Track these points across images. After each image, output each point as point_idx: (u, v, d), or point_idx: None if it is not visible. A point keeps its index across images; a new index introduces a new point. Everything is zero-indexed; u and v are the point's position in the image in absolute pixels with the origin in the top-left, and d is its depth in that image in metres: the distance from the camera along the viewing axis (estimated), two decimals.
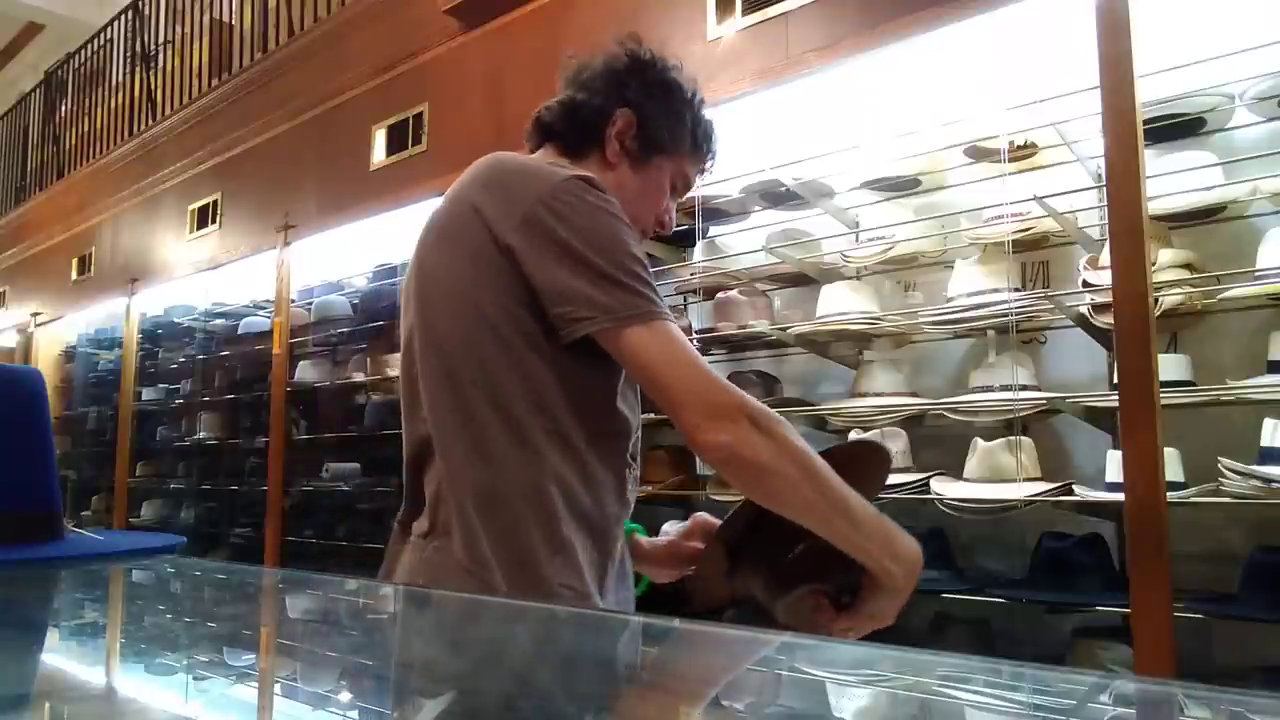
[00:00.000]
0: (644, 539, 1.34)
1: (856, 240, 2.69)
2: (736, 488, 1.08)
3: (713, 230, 3.05)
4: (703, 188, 2.73)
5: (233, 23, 5.27)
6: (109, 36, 6.50)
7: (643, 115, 1.21)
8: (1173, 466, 1.95)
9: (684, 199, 1.38)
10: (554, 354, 1.06)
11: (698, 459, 2.80)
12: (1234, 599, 1.91)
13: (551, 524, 1.07)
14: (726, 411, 1.01)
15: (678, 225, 2.95)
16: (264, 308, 4.77)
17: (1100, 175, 2.04)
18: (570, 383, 1.08)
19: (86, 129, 6.66)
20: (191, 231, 5.08)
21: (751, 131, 2.66)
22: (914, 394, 2.55)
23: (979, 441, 2.31)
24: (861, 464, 1.18)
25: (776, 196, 2.82)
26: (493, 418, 1.07)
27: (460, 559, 1.08)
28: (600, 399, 1.12)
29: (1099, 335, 2.25)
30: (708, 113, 1.29)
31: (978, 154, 2.43)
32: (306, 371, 4.32)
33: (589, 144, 1.23)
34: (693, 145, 1.26)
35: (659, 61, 1.25)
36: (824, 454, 1.10)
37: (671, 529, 1.37)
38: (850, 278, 2.72)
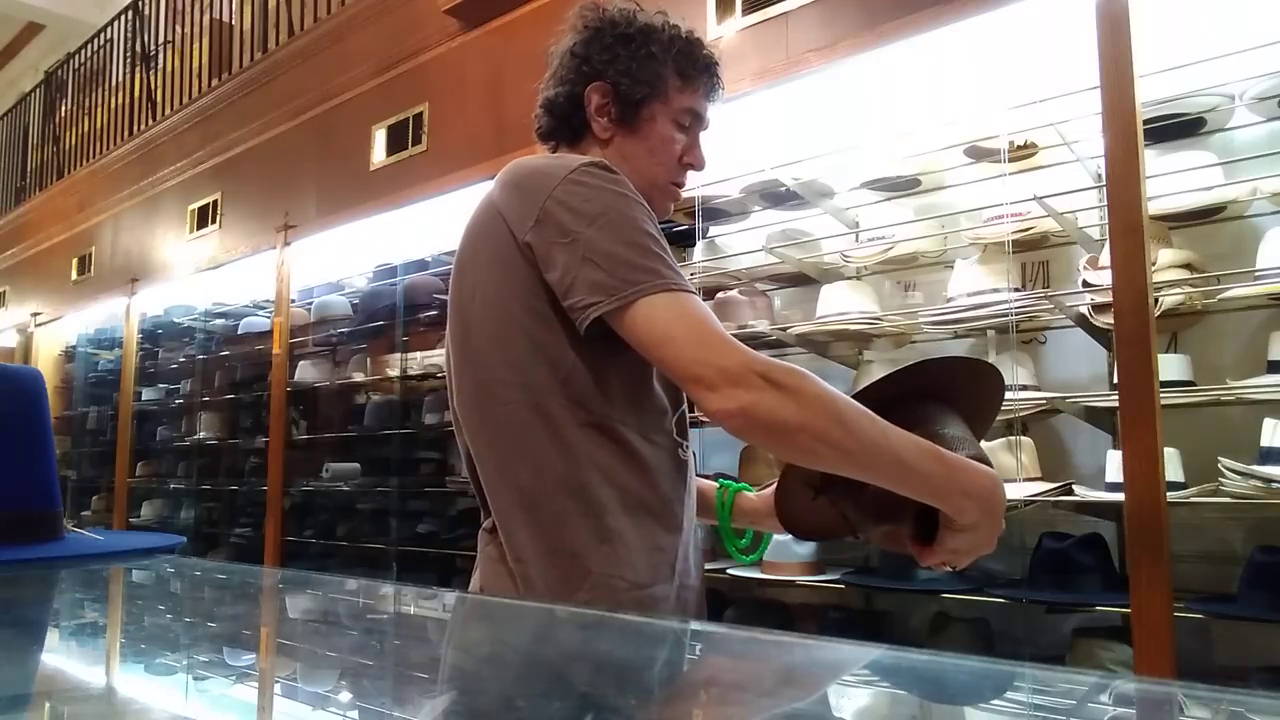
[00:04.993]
0: (750, 494, 1.33)
1: (856, 240, 2.69)
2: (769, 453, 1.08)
3: (713, 230, 3.05)
4: (703, 188, 2.73)
5: (233, 23, 5.27)
6: (109, 36, 6.50)
7: (613, 80, 1.18)
8: (1173, 466, 1.95)
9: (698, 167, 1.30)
10: (583, 346, 1.06)
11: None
12: (1234, 599, 1.91)
13: (598, 515, 1.07)
14: (735, 375, 0.95)
15: (678, 225, 3.01)
16: (264, 308, 4.77)
17: (1100, 175, 2.04)
18: (604, 372, 1.07)
19: (86, 129, 6.66)
20: (191, 231, 5.08)
21: (751, 131, 2.66)
22: None
23: None
24: (966, 386, 1.14)
25: (776, 196, 2.82)
26: (529, 419, 1.08)
27: (505, 557, 1.11)
28: (637, 383, 1.11)
29: (1099, 335, 2.25)
30: (690, 39, 1.23)
31: (978, 154, 2.43)
32: (306, 371, 4.32)
33: (580, 132, 1.23)
34: (679, 77, 1.20)
35: (613, 19, 1.21)
36: (915, 368, 1.09)
37: None
38: (850, 278, 2.72)
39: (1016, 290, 2.36)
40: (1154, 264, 1.92)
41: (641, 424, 1.10)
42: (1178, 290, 2.04)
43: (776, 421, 0.95)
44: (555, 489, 1.07)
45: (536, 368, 1.07)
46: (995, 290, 2.35)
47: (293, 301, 4.35)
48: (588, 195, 1.04)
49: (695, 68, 1.22)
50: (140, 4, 5.97)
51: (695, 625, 1.05)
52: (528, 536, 1.09)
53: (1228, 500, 1.88)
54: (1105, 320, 2.07)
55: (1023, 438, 2.29)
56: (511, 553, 1.10)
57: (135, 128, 5.83)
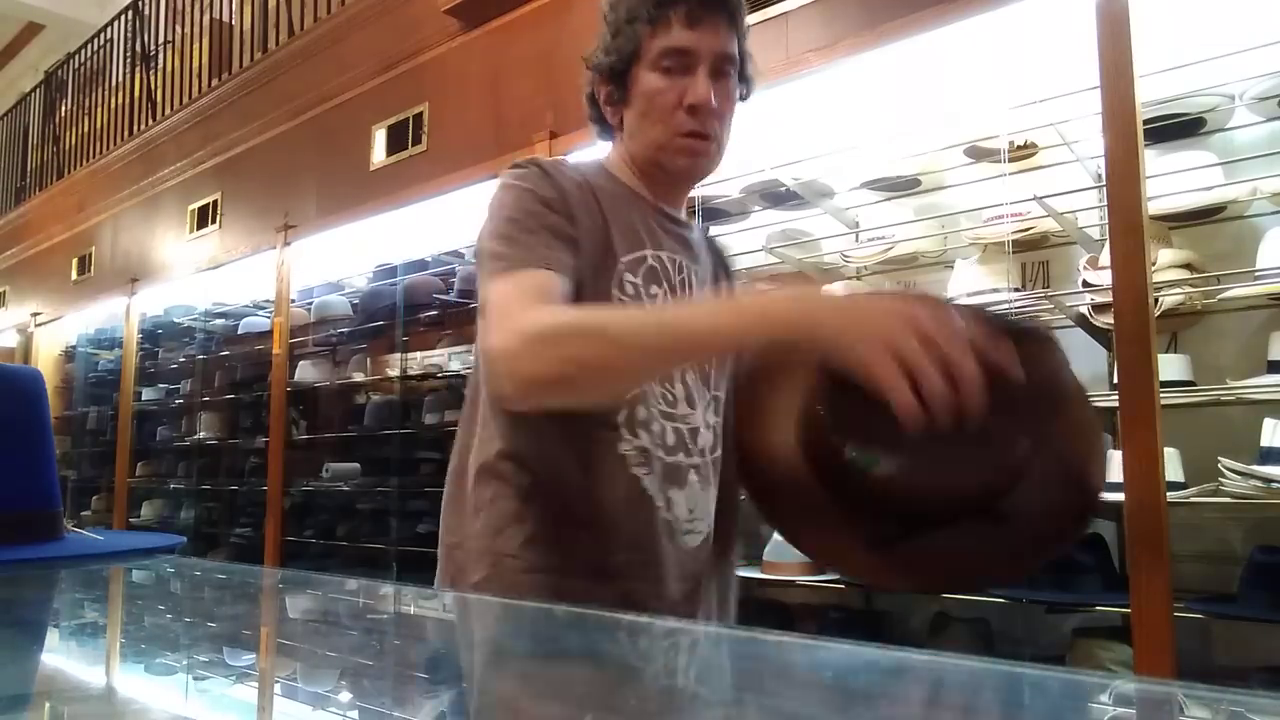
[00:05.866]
0: None
1: (856, 240, 2.69)
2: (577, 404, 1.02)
3: (713, 230, 3.05)
4: (703, 188, 2.73)
5: (233, 23, 5.27)
6: (109, 36, 6.50)
7: (601, 68, 1.16)
8: (1173, 466, 1.95)
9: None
10: None
11: None
12: (1234, 599, 1.91)
13: (505, 499, 1.08)
14: (500, 354, 0.94)
15: None
16: (264, 308, 4.76)
17: (1100, 175, 2.04)
18: None
19: (86, 129, 6.66)
20: (191, 231, 5.08)
21: (751, 131, 2.66)
22: None
23: None
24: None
25: (776, 196, 2.82)
26: (470, 411, 1.15)
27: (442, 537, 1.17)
28: None
29: (1099, 335, 2.25)
30: None
31: (978, 154, 2.43)
32: (306, 371, 4.32)
33: (608, 128, 1.20)
34: (648, 25, 1.11)
35: (602, 13, 1.17)
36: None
37: None
38: (850, 278, 2.72)
39: (1016, 290, 2.36)
40: (1154, 264, 1.92)
41: (568, 415, 1.06)
42: (1178, 290, 2.04)
43: (548, 377, 0.92)
44: (474, 472, 1.11)
45: (481, 364, 1.11)
46: (995, 290, 2.35)
47: (293, 301, 4.35)
48: (494, 196, 1.09)
49: (661, 4, 1.11)
50: (140, 4, 5.97)
51: (693, 626, 1.05)
52: (450, 518, 1.14)
53: (1228, 500, 1.88)
54: (1105, 320, 2.07)
55: None
56: (441, 534, 1.15)
57: (135, 128, 5.83)
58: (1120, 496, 1.88)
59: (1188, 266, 2.08)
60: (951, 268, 2.49)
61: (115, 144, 6.01)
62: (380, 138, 3.88)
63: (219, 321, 5.16)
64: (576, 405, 1.01)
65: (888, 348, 0.75)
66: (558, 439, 1.08)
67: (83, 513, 5.88)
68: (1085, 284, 2.19)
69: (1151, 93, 2.01)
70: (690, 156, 1.14)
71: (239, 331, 4.89)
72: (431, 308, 3.82)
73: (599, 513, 1.08)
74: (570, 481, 1.08)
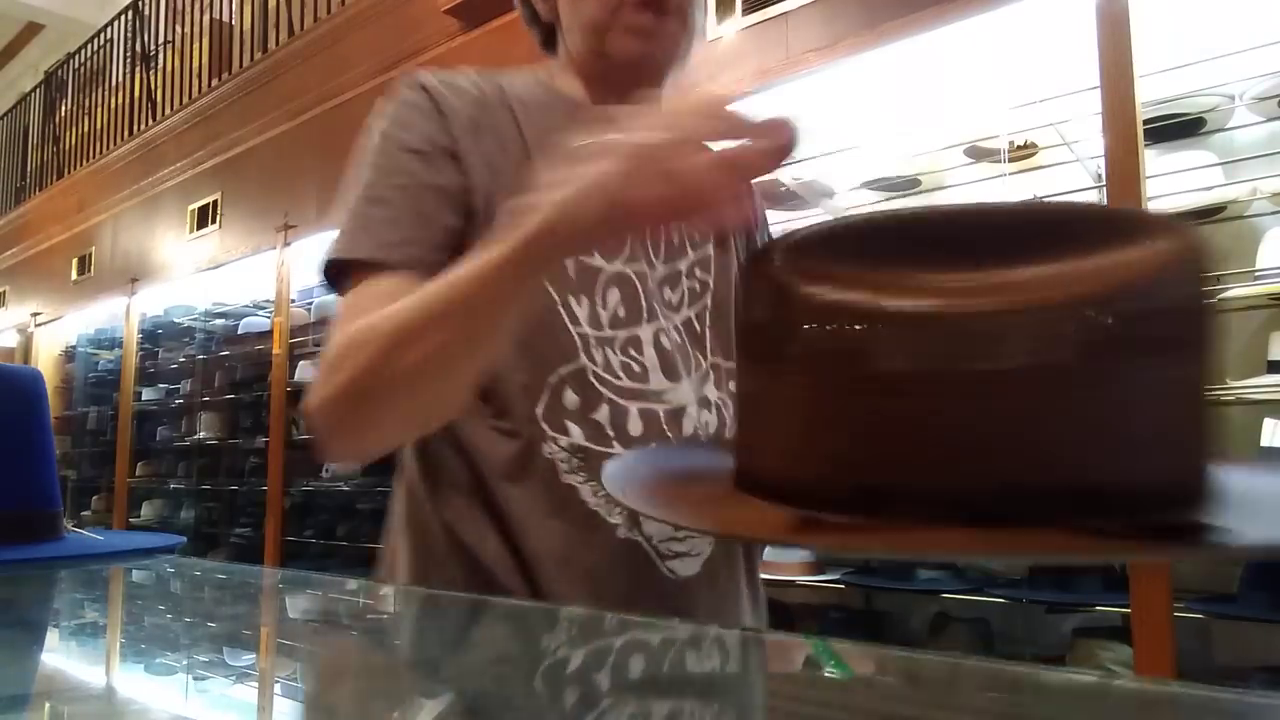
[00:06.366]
0: None
1: None
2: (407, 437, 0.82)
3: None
4: None
5: (233, 23, 5.28)
6: (109, 36, 6.50)
7: None
8: None
9: None
10: None
11: None
12: (1234, 599, 1.91)
13: (423, 515, 0.87)
14: (307, 412, 0.72)
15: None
16: (264, 308, 4.77)
17: (1100, 175, 2.05)
18: None
19: (86, 129, 6.66)
20: (191, 231, 5.08)
21: None
22: None
23: None
24: None
25: (776, 196, 2.82)
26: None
27: None
28: None
29: None
30: None
31: (978, 154, 2.43)
32: (306, 371, 4.32)
33: (546, 31, 0.95)
34: None
35: None
36: None
37: None
38: None
39: None
40: None
41: (475, 409, 0.83)
42: None
43: (338, 403, 0.70)
44: (401, 483, 0.91)
45: None
46: None
47: (293, 301, 4.35)
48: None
49: None
50: (140, 4, 5.97)
51: (697, 627, 1.05)
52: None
53: None
54: None
55: None
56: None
57: (135, 128, 5.83)
58: None
59: None
60: None
61: (115, 144, 6.02)
62: None
63: (219, 321, 5.16)
64: (403, 431, 0.79)
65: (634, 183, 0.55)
66: (466, 452, 0.83)
67: (83, 513, 5.89)
68: None
69: (1151, 93, 2.01)
70: (641, 37, 0.83)
71: (239, 331, 4.90)
72: None
73: (528, 545, 0.81)
74: (491, 511, 0.82)
